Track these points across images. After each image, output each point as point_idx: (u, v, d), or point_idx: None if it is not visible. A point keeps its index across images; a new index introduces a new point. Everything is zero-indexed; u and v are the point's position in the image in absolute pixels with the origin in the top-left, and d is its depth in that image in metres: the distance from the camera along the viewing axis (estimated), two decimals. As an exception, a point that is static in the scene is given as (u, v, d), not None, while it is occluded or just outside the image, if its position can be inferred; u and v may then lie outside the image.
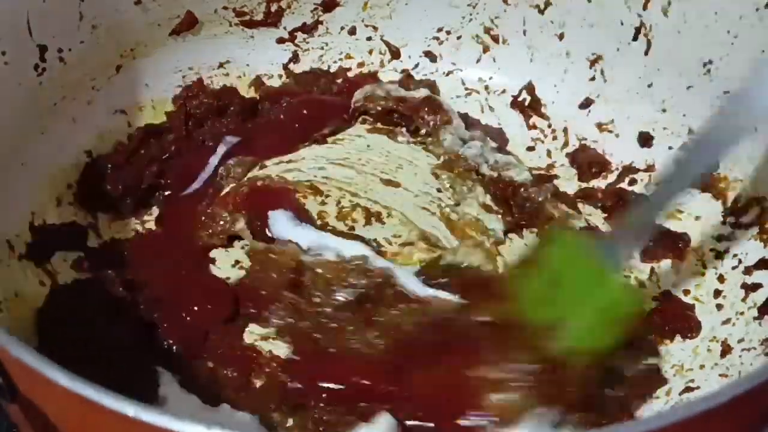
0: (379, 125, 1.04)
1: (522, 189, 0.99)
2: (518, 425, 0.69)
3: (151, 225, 0.97)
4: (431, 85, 1.13)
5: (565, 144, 1.09)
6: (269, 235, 0.90)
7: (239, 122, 1.05)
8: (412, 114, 1.05)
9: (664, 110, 1.03)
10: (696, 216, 0.97)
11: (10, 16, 0.87)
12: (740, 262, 0.90)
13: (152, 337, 0.83)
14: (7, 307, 0.79)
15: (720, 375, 0.83)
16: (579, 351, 0.72)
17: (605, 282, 0.74)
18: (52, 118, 0.94)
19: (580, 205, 1.03)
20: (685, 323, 0.88)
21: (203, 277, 0.90)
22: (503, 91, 1.14)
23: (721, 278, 0.91)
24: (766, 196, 0.91)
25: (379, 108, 1.06)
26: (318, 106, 1.06)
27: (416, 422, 0.73)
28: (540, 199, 0.98)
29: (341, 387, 0.76)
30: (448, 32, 1.15)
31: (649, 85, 1.04)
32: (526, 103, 1.12)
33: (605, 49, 1.07)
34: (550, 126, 1.11)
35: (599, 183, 1.06)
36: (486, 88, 1.14)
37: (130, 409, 0.51)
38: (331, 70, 1.14)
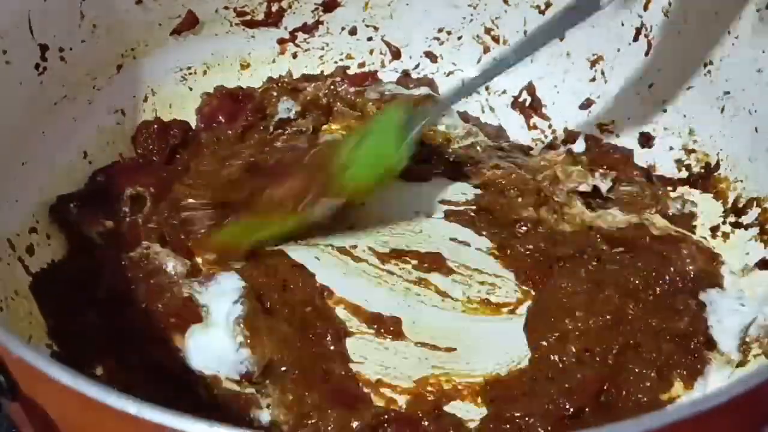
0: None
1: None
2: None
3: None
4: (430, 83, 1.13)
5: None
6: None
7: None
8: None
9: (664, 110, 1.03)
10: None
11: (12, 15, 0.87)
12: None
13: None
14: (7, 306, 0.79)
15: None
16: (356, 186, 0.91)
17: (390, 142, 0.90)
18: (52, 117, 0.94)
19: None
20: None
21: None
22: (504, 92, 1.14)
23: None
24: (766, 196, 0.91)
25: (376, 109, 1.06)
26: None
27: None
28: None
29: None
30: (449, 32, 1.15)
31: (650, 86, 1.04)
32: (527, 104, 1.12)
33: (606, 49, 1.07)
34: (550, 126, 1.11)
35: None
36: (486, 88, 1.14)
37: (131, 407, 0.51)
38: (332, 71, 1.15)
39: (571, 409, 0.77)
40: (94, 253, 0.90)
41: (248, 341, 0.79)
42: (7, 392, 0.60)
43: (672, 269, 0.86)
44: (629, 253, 0.89)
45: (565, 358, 0.81)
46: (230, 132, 1.04)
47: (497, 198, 0.98)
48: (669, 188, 1.00)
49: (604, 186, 0.97)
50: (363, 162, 0.90)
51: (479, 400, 0.81)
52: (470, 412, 0.80)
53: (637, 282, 0.85)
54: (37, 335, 0.81)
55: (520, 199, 0.97)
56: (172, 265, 0.87)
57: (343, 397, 0.78)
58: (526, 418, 0.76)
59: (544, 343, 0.83)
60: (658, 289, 0.85)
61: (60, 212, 0.92)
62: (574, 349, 0.81)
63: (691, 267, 0.87)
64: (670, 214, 0.95)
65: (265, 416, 0.77)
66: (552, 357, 0.82)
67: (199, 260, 0.91)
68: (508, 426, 0.77)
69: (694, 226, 0.95)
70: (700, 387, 0.80)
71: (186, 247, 0.92)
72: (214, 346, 0.79)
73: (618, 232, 0.92)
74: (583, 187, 0.96)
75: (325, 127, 1.08)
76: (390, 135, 0.90)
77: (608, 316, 0.83)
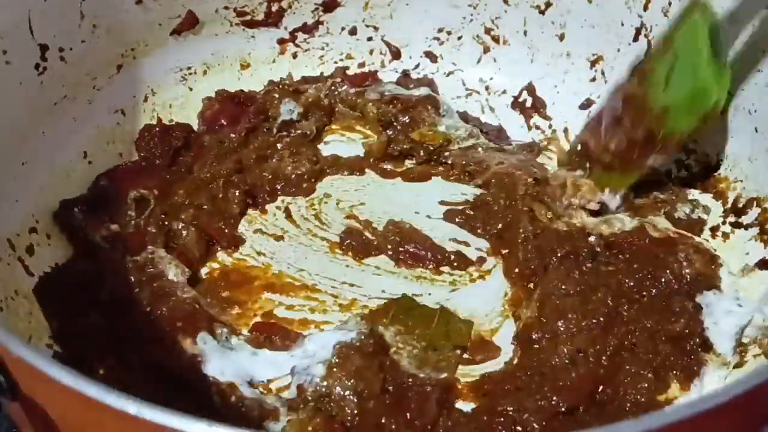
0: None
1: None
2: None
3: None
4: (430, 83, 1.13)
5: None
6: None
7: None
8: (409, 111, 1.06)
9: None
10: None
11: (12, 15, 0.87)
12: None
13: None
14: (7, 306, 0.79)
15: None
16: (676, 132, 0.89)
17: (703, 68, 0.85)
18: (52, 117, 0.94)
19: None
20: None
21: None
22: (504, 92, 1.14)
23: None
24: (766, 196, 0.91)
25: (376, 110, 1.07)
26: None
27: None
28: None
29: None
30: (449, 32, 1.15)
31: (650, 86, 1.04)
32: (527, 104, 1.12)
33: (606, 49, 1.07)
34: (550, 126, 1.11)
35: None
36: (486, 88, 1.14)
37: (131, 407, 0.51)
38: (332, 71, 1.15)
39: (564, 407, 0.77)
40: (99, 256, 0.90)
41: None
42: (7, 392, 0.60)
43: (668, 271, 0.86)
44: (625, 255, 0.89)
45: (557, 359, 0.81)
46: (233, 135, 1.04)
47: (497, 198, 0.98)
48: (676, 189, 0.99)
49: (614, 203, 0.96)
50: (680, 104, 0.86)
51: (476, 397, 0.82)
52: (469, 411, 0.81)
53: (632, 284, 0.85)
54: (37, 335, 0.81)
55: (519, 200, 0.97)
56: (173, 272, 0.88)
57: None
58: (520, 413, 0.77)
59: (536, 345, 0.83)
60: (653, 290, 0.85)
61: (64, 217, 0.92)
62: (566, 351, 0.81)
63: (687, 270, 0.86)
64: (677, 217, 0.94)
65: (277, 428, 0.77)
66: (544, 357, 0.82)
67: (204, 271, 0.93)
68: (502, 419, 0.77)
69: (701, 230, 0.95)
70: (696, 388, 0.80)
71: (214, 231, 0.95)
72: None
73: (616, 233, 0.92)
74: (591, 206, 0.95)
75: (327, 127, 1.08)
76: (699, 59, 0.84)
77: (601, 318, 0.83)
